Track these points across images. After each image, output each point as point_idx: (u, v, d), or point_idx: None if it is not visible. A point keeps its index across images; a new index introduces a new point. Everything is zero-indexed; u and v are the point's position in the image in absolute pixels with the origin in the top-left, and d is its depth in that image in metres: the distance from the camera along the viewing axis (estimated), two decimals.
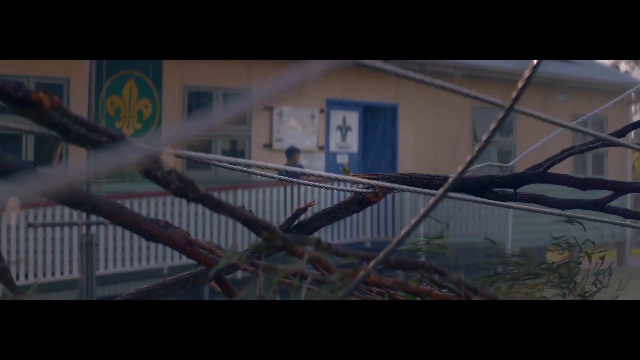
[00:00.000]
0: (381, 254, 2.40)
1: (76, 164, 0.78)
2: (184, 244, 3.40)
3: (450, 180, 2.22)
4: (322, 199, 12.33)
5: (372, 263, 2.49)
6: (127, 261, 11.37)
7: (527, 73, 2.03)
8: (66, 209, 10.63)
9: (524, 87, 2.02)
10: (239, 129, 14.05)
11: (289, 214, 3.00)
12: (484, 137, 2.20)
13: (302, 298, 1.71)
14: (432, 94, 16.23)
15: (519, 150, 17.04)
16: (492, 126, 2.17)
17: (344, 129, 15.84)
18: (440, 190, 2.24)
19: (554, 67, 17.31)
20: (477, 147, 2.19)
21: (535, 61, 2.03)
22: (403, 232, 2.29)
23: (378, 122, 16.41)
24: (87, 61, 9.76)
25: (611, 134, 3.30)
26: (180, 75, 13.40)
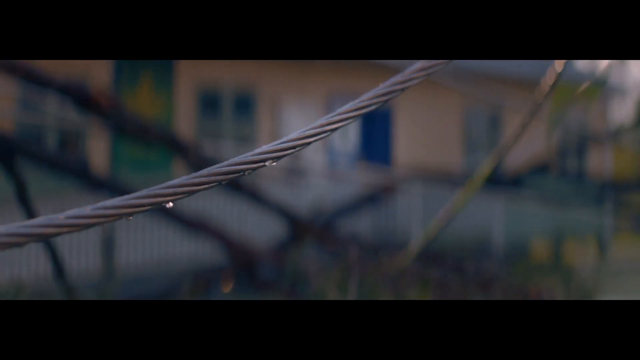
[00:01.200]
0: (413, 248, 2.46)
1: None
2: (220, 236, 3.45)
3: (479, 176, 2.26)
4: (324, 193, 12.37)
5: (404, 257, 2.55)
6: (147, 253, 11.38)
7: (553, 76, 2.07)
8: (67, 204, 10.62)
9: (550, 88, 2.06)
10: (244, 124, 14.11)
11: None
12: (510, 137, 2.24)
13: (355, 298, 1.72)
14: (425, 94, 16.27)
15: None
16: (519, 127, 2.21)
17: (344, 128, 15.90)
18: (471, 187, 2.28)
19: (536, 66, 17.35)
20: (505, 145, 2.23)
21: (561, 63, 2.07)
22: (434, 227, 2.34)
23: (376, 122, 16.47)
24: (106, 61, 9.77)
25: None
26: (193, 72, 13.42)
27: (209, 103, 13.83)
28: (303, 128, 0.79)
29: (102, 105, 2.23)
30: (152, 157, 12.41)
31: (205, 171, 0.72)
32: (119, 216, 0.68)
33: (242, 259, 3.05)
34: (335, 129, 0.81)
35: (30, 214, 2.29)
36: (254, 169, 0.74)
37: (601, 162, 19.68)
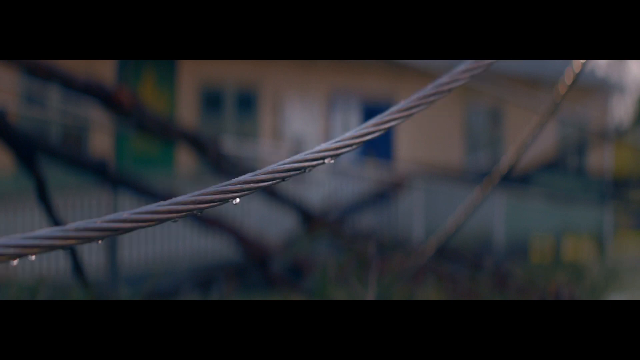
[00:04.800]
0: (431, 246, 2.49)
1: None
2: (234, 232, 3.47)
3: (495, 174, 2.29)
4: (328, 190, 12.39)
5: (422, 254, 2.58)
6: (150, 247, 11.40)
7: (571, 76, 2.09)
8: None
9: (568, 88, 2.09)
10: (246, 121, 14.12)
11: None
12: (528, 136, 2.27)
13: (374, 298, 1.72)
14: None
15: (507, 138, 17.11)
16: (537, 126, 2.24)
17: (346, 125, 15.91)
18: (487, 185, 2.31)
19: (536, 65, 17.36)
20: (523, 143, 2.25)
21: (579, 63, 2.09)
22: (452, 225, 2.37)
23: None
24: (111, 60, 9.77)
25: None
26: (195, 70, 13.44)
27: (212, 100, 13.85)
28: (357, 128, 0.81)
29: (123, 103, 2.25)
30: (155, 152, 12.43)
31: (269, 168, 0.74)
32: (190, 212, 0.71)
33: (255, 255, 3.07)
34: (386, 128, 0.84)
35: (50, 210, 2.31)
36: (314, 166, 0.76)
37: (601, 159, 19.71)
